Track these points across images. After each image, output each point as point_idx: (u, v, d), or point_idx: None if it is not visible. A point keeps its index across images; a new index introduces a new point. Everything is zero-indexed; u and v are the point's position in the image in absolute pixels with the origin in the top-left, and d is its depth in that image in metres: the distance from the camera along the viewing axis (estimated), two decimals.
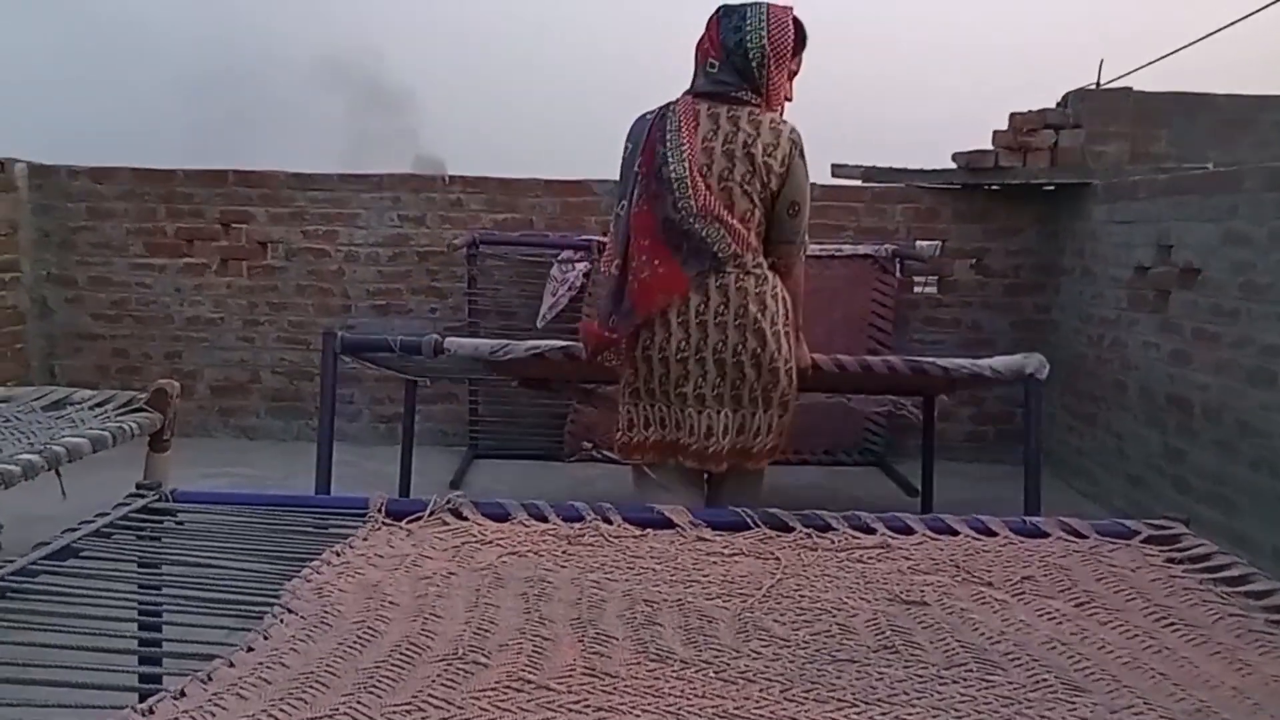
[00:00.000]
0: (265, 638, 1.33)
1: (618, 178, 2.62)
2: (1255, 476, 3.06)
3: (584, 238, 4.72)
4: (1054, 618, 1.48)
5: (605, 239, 4.64)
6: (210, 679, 1.19)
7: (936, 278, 4.93)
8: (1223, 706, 1.19)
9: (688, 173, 2.46)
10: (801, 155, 2.54)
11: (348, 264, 5.12)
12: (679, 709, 1.16)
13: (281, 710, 1.11)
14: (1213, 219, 3.41)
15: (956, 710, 1.18)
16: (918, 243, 4.83)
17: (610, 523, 1.85)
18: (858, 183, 4.91)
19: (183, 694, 1.14)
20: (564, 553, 1.73)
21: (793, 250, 2.60)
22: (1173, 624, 1.46)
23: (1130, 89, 4.77)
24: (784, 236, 2.58)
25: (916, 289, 4.94)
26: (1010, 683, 1.26)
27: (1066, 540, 1.79)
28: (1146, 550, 1.76)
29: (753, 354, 2.49)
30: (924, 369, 3.01)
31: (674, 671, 1.27)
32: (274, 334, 5.19)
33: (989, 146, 4.69)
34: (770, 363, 2.51)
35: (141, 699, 1.13)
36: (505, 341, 2.92)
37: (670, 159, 2.47)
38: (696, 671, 1.27)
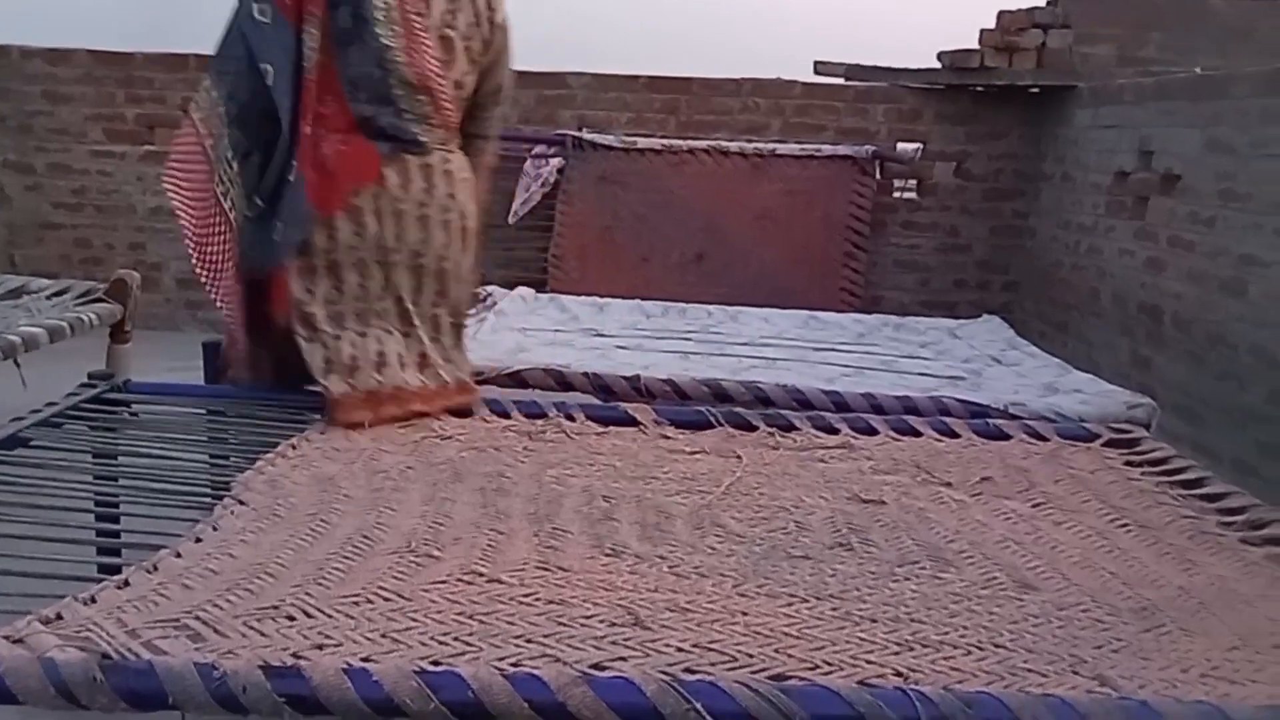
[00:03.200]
0: (214, 529, 1.31)
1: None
2: (1221, 387, 3.09)
3: (558, 132, 4.59)
4: (1010, 518, 1.49)
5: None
6: (156, 569, 1.18)
7: (916, 181, 4.86)
8: (1168, 604, 1.21)
9: (398, 11, 1.76)
10: (508, 31, 1.96)
11: None
12: (631, 602, 1.16)
13: (227, 600, 1.10)
14: (1197, 125, 3.35)
15: (907, 606, 1.19)
16: (898, 145, 4.74)
17: (573, 419, 1.84)
18: (840, 81, 4.79)
19: (126, 584, 1.13)
20: (524, 449, 1.72)
21: (485, 149, 2.00)
22: (1127, 525, 1.48)
23: None
24: (481, 128, 1.97)
25: (895, 193, 4.87)
26: (962, 580, 1.27)
27: (1028, 443, 1.79)
28: (1106, 453, 1.78)
29: (455, 258, 1.86)
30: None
31: (628, 566, 1.27)
32: None
33: (975, 46, 4.56)
34: (463, 272, 1.92)
35: None
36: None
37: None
38: (650, 566, 1.27)
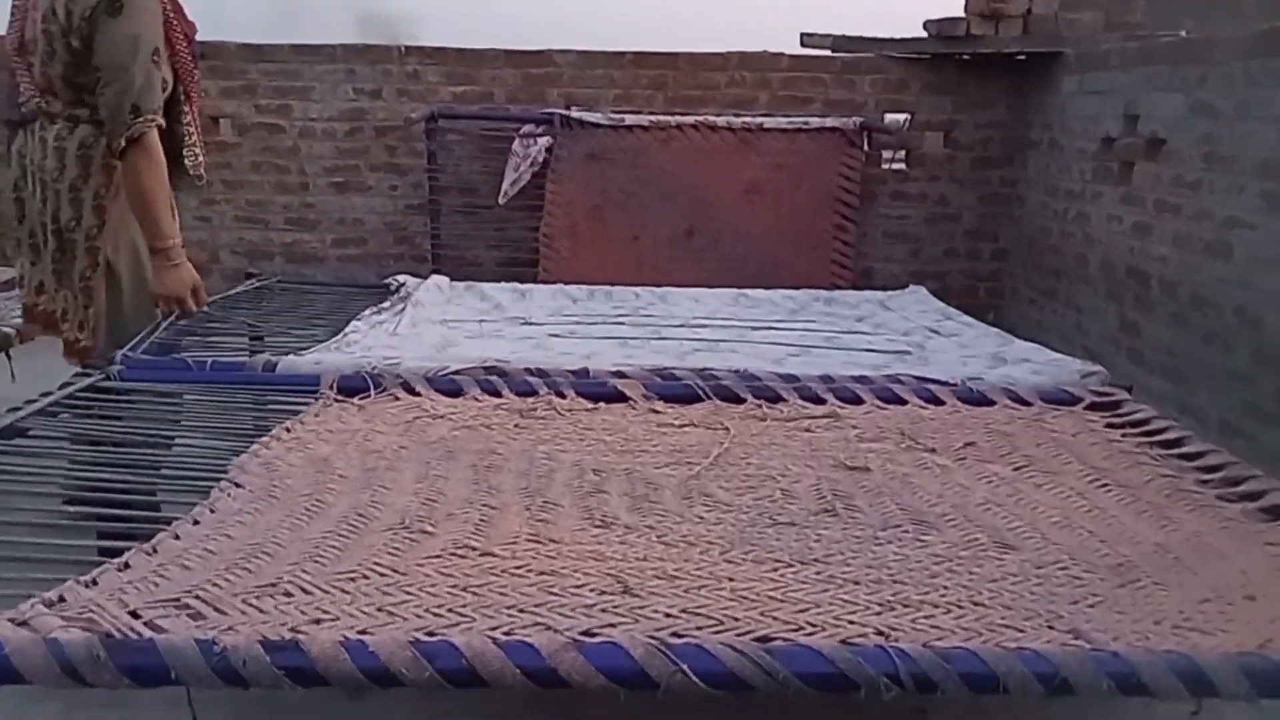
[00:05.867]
0: (212, 511, 1.34)
1: None
2: (1207, 349, 3.11)
3: (546, 111, 4.58)
4: (992, 481, 1.52)
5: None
6: (155, 551, 1.20)
7: (904, 151, 4.86)
8: (1144, 560, 1.24)
9: (16, 3, 2.22)
10: (115, 13, 2.08)
11: (303, 140, 4.96)
12: (620, 571, 1.19)
13: (226, 580, 1.13)
14: (1181, 89, 3.35)
15: (889, 569, 1.22)
16: (886, 116, 4.74)
17: (564, 396, 1.86)
18: (827, 53, 4.78)
19: (126, 565, 1.16)
20: (516, 426, 1.74)
21: (115, 131, 2.14)
22: (1106, 485, 1.51)
23: None
24: (101, 112, 2.15)
25: (884, 164, 4.88)
26: (944, 542, 1.30)
27: (1011, 408, 1.82)
28: (1088, 416, 1.80)
29: (53, 216, 2.18)
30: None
31: (617, 537, 1.30)
32: (231, 213, 5.06)
33: (961, 14, 4.55)
34: (68, 231, 2.18)
35: None
36: (390, 355, 2.04)
37: None
38: (639, 536, 1.30)
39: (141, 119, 2.13)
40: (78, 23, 2.09)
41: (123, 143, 2.15)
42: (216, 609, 1.07)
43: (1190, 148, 3.28)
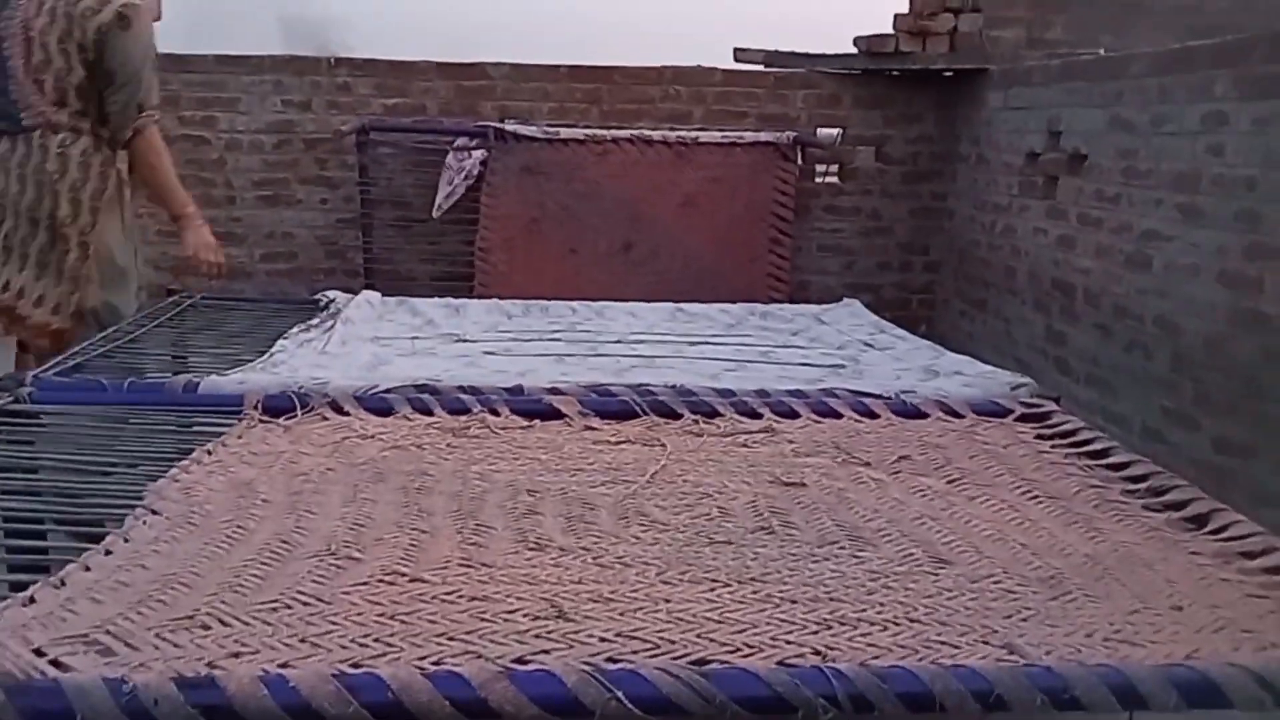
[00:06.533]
0: (126, 540, 1.28)
1: None
2: (1128, 358, 3.20)
3: (480, 124, 4.55)
4: (926, 495, 1.53)
5: (494, 124, 4.47)
6: (63, 584, 1.14)
7: (837, 165, 4.92)
8: (1074, 572, 1.25)
9: (12, 31, 2.56)
10: (126, 27, 2.55)
11: (229, 153, 4.84)
12: (554, 595, 1.16)
13: (139, 613, 1.07)
14: (1100, 104, 3.46)
15: (826, 586, 1.21)
16: (819, 130, 4.80)
17: (497, 414, 1.83)
18: (760, 68, 4.82)
19: (32, 600, 1.09)
20: (448, 445, 1.70)
21: (122, 126, 2.60)
22: (1037, 497, 1.52)
23: None
24: (107, 112, 2.59)
25: (818, 178, 4.93)
26: (879, 558, 1.30)
27: (944, 420, 1.84)
28: (1019, 428, 1.83)
29: (49, 213, 2.55)
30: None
31: (551, 559, 1.27)
32: (155, 227, 4.89)
33: (890, 31, 4.64)
34: (63, 225, 2.55)
35: None
36: (318, 374, 1.98)
37: (4, 17, 2.59)
38: (574, 558, 1.28)
39: (145, 114, 2.61)
40: (92, 38, 2.52)
41: (129, 133, 2.58)
42: (128, 645, 1.02)
43: (1110, 162, 3.38)
